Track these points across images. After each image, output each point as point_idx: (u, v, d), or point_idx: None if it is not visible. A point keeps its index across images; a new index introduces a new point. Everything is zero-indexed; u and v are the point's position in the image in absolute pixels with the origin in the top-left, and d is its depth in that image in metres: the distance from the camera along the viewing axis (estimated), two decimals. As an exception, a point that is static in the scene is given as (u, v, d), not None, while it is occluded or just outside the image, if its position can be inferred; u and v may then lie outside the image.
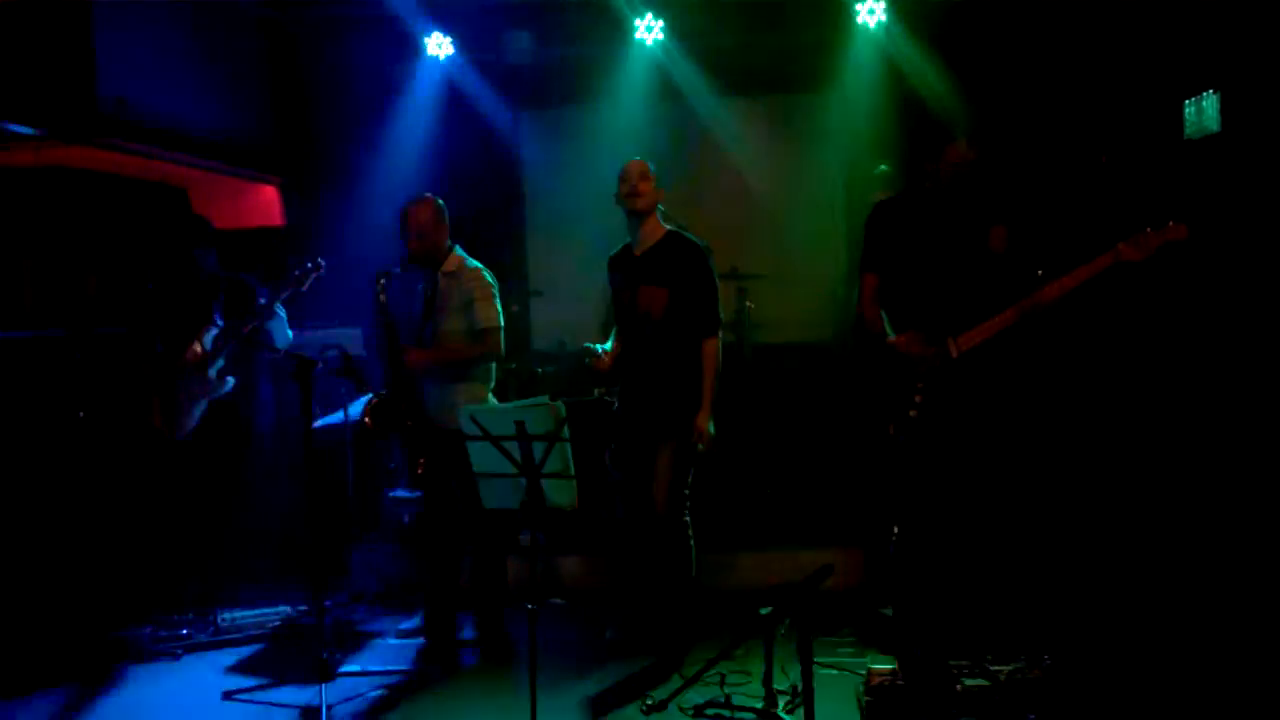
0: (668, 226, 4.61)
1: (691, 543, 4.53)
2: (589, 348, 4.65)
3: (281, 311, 5.14)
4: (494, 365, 4.83)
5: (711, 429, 4.51)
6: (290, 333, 5.23)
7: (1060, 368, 5.16)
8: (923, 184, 3.98)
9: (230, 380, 4.97)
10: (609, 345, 4.70)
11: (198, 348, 4.98)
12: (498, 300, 4.72)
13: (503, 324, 4.73)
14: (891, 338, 3.94)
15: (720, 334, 4.55)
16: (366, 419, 5.01)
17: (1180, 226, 3.74)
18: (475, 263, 4.77)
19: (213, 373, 4.94)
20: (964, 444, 3.97)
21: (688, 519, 4.53)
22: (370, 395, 4.88)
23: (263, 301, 5.05)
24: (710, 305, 4.53)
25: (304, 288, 4.95)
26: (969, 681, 3.98)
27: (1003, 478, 4.32)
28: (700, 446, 4.48)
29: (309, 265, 4.97)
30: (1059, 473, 5.08)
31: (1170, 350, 5.10)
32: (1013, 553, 4.61)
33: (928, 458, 3.94)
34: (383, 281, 4.58)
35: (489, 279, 4.73)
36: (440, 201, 4.76)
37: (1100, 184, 5.57)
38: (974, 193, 4.00)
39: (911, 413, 3.92)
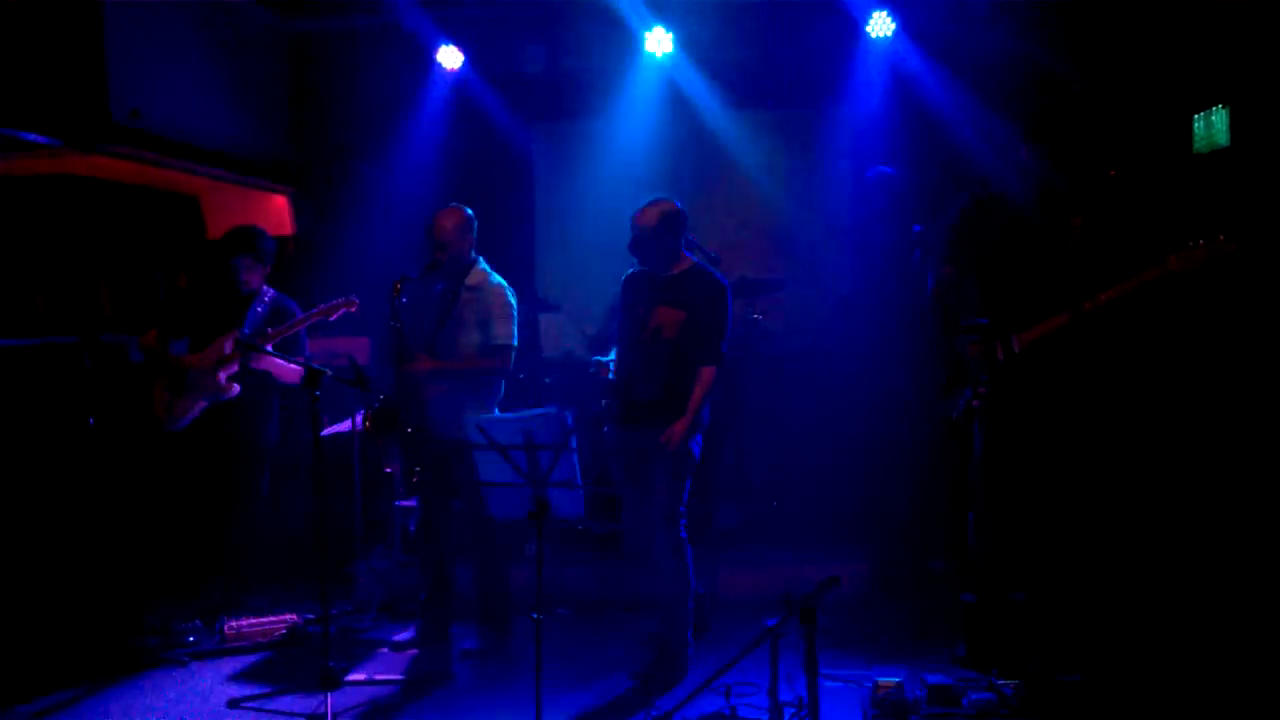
0: (694, 259, 4.61)
1: (689, 556, 4.49)
2: (598, 361, 4.74)
3: (304, 339, 5.16)
4: (502, 383, 4.84)
5: (697, 453, 4.49)
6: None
7: (1106, 370, 5.18)
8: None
9: (236, 388, 4.97)
10: (611, 357, 4.72)
11: (217, 350, 4.97)
12: (515, 321, 4.74)
13: (516, 344, 4.76)
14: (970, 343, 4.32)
15: (718, 367, 4.47)
16: (366, 423, 5.01)
17: (1230, 242, 3.90)
18: (499, 279, 4.80)
19: (223, 377, 4.95)
20: (1018, 435, 4.27)
21: (684, 535, 4.47)
22: (373, 400, 4.88)
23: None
24: (719, 338, 4.48)
25: (331, 319, 4.96)
26: (975, 695, 3.98)
27: (1047, 476, 4.37)
28: (669, 447, 4.38)
29: (339, 300, 4.95)
30: (1102, 476, 5.06)
31: (1206, 364, 5.10)
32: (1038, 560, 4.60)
33: (984, 448, 4.24)
34: (399, 286, 4.59)
35: (511, 299, 4.76)
36: (468, 212, 4.79)
37: (1109, 199, 5.57)
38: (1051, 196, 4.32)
39: (974, 403, 4.23)
